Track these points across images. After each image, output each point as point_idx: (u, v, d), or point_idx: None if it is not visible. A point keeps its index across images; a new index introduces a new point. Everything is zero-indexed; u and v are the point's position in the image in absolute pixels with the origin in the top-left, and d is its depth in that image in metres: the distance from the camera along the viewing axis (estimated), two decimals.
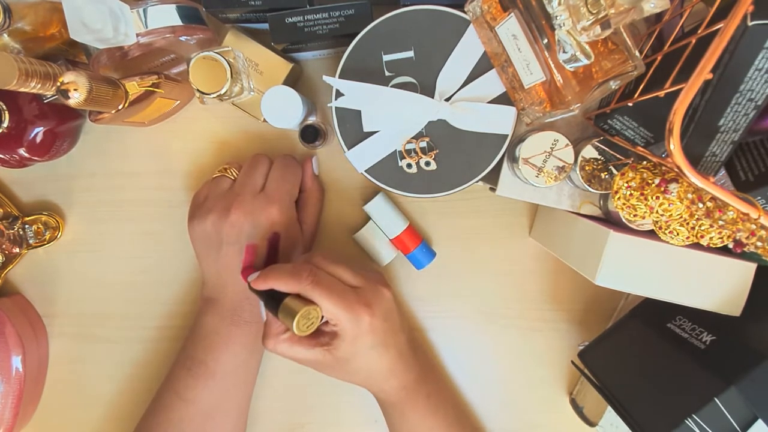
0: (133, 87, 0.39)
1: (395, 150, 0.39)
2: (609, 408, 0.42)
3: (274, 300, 0.35)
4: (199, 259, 0.44)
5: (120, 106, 0.39)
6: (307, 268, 0.36)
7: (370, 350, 0.38)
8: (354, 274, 0.39)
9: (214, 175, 0.44)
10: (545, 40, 0.33)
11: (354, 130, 0.39)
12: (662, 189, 0.31)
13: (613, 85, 0.32)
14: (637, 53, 0.30)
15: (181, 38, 0.40)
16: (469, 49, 0.37)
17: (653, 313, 0.42)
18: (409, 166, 0.39)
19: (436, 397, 0.43)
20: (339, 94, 0.38)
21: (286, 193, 0.43)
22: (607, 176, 0.36)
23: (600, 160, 0.36)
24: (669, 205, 0.31)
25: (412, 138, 0.39)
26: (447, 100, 0.38)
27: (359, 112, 0.39)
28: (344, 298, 0.36)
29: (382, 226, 0.46)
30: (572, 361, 0.47)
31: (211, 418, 0.42)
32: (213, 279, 0.43)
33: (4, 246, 0.46)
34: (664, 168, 0.32)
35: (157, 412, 0.42)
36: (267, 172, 0.43)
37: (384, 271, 0.49)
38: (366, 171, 0.40)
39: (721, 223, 0.30)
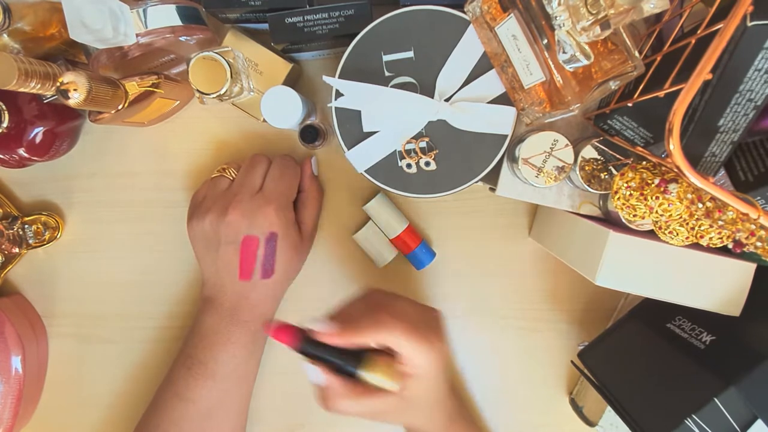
0: (133, 87, 0.39)
1: (395, 150, 0.39)
2: (609, 408, 0.42)
3: (345, 355, 0.31)
4: (198, 258, 0.44)
5: (120, 106, 0.39)
6: (386, 317, 0.32)
7: (442, 384, 0.35)
8: (417, 308, 0.36)
9: (213, 175, 0.45)
10: (545, 41, 0.33)
11: (354, 130, 0.39)
12: (662, 189, 0.31)
13: (613, 85, 0.32)
14: (637, 53, 0.30)
15: (180, 38, 0.39)
16: (469, 49, 0.37)
17: (653, 313, 0.42)
18: (408, 166, 0.39)
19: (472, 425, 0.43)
20: (339, 94, 0.38)
21: (283, 193, 0.43)
22: (606, 176, 0.36)
23: (600, 160, 0.36)
24: (669, 205, 0.31)
25: (412, 138, 0.39)
26: (447, 100, 0.38)
27: (359, 112, 0.39)
28: (426, 338, 0.32)
29: (382, 226, 0.46)
30: (572, 361, 0.47)
31: (211, 417, 0.42)
32: (212, 278, 0.43)
33: (3, 246, 0.46)
34: (663, 168, 0.32)
35: (157, 411, 0.42)
36: (265, 172, 0.43)
37: (384, 271, 0.49)
38: (366, 171, 0.40)
39: (720, 223, 0.30)
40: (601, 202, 0.39)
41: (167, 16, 0.38)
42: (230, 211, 0.40)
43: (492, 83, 0.37)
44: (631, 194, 0.32)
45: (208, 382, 0.41)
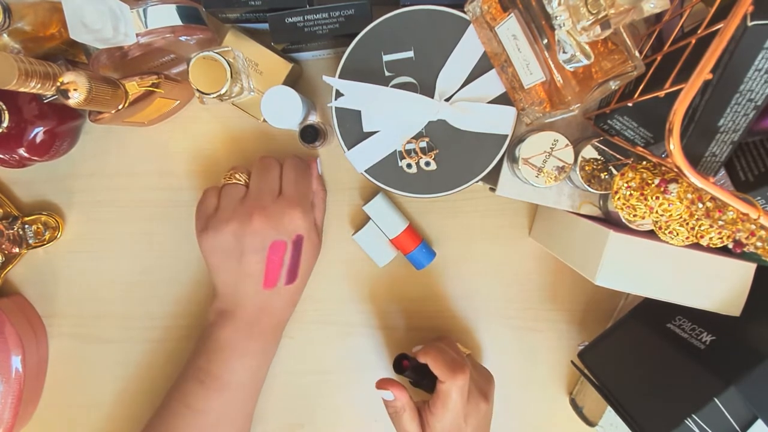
0: (133, 87, 0.39)
1: (395, 150, 0.39)
2: (609, 408, 0.42)
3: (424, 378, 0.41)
4: (213, 271, 0.42)
5: (120, 106, 0.39)
6: (464, 374, 0.39)
7: (460, 411, 0.40)
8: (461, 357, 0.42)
9: (223, 182, 0.43)
10: (545, 40, 0.33)
11: (354, 130, 0.39)
12: (662, 189, 0.31)
13: (613, 85, 0.32)
14: (637, 53, 0.30)
15: (181, 38, 0.39)
16: (469, 49, 0.37)
17: (653, 313, 0.42)
18: (409, 166, 0.39)
19: None
20: (339, 94, 0.38)
21: (304, 195, 0.42)
22: (606, 176, 0.36)
23: (600, 160, 0.36)
24: (669, 206, 0.31)
25: (412, 138, 0.39)
26: (447, 100, 0.38)
27: (359, 112, 0.39)
28: (452, 371, 0.39)
29: (382, 226, 0.46)
30: (572, 361, 0.47)
31: (219, 425, 0.41)
32: (229, 290, 0.41)
33: (4, 246, 0.46)
34: (663, 168, 0.32)
35: (167, 423, 0.41)
36: (279, 175, 0.42)
37: (384, 271, 0.49)
38: (366, 171, 0.40)
39: (720, 223, 0.30)
40: (601, 202, 0.39)
41: (167, 16, 0.38)
42: (255, 218, 0.39)
43: (492, 83, 0.37)
44: (631, 194, 0.32)
45: (224, 393, 0.40)
